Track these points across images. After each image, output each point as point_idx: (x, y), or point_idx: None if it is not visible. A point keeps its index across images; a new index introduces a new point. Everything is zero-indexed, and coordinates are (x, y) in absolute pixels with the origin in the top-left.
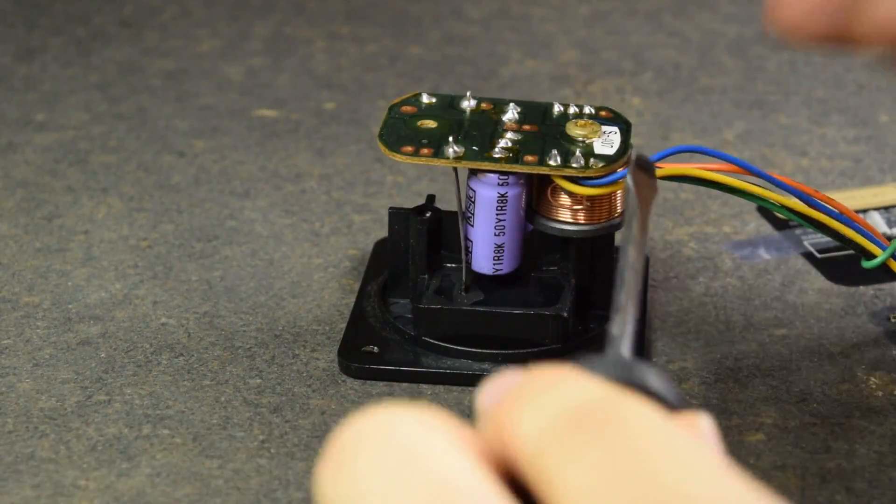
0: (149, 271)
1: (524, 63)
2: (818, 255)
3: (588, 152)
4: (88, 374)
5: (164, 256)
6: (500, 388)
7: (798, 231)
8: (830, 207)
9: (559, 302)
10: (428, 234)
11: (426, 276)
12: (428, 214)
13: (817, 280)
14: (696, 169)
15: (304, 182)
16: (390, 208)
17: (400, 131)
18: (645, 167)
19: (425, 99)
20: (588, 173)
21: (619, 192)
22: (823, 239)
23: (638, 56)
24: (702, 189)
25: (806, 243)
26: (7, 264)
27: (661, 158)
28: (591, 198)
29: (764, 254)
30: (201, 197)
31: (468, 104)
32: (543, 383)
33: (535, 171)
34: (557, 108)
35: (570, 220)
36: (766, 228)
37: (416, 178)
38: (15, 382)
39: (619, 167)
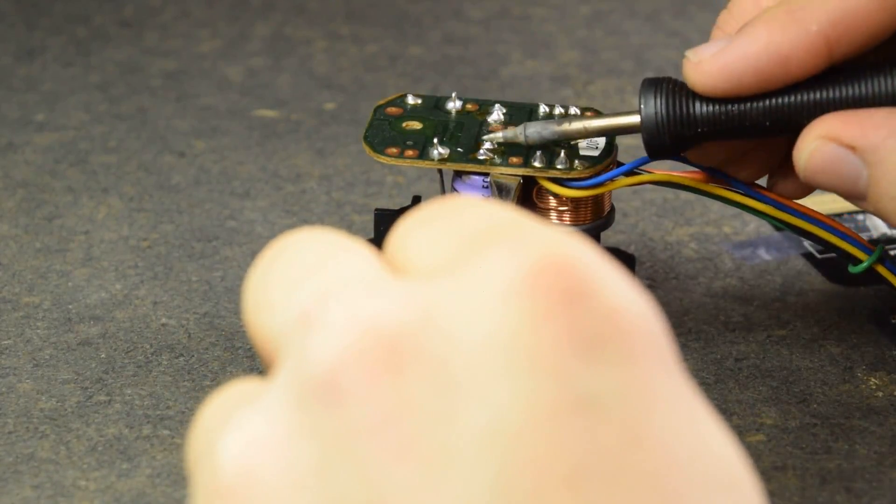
0: (149, 272)
1: (524, 63)
2: (818, 256)
3: (573, 154)
4: (89, 375)
5: (164, 257)
6: None
7: None
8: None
9: None
10: None
11: None
12: None
13: (817, 280)
14: (680, 176)
15: (304, 182)
16: (376, 209)
17: (384, 133)
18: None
19: (411, 100)
20: (572, 174)
21: (604, 193)
22: None
23: (638, 56)
24: None
25: (806, 244)
26: (7, 265)
27: (635, 167)
28: (575, 199)
29: (764, 254)
30: (201, 197)
31: (453, 105)
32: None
33: (518, 173)
34: (543, 109)
35: (556, 222)
36: (767, 229)
37: (416, 179)
38: (15, 383)
39: (604, 169)
